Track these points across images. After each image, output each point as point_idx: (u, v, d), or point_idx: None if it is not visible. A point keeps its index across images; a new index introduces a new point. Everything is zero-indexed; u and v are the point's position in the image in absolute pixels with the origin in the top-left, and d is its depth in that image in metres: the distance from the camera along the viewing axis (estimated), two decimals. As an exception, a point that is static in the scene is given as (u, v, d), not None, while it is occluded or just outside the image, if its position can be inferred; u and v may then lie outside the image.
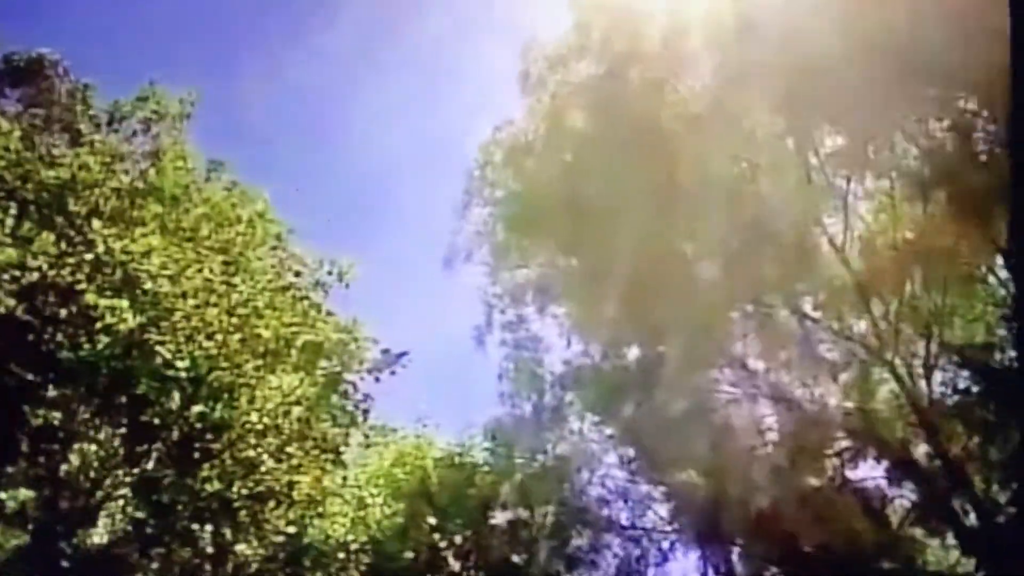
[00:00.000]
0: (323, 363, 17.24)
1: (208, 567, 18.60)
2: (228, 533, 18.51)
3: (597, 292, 19.02)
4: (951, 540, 18.01)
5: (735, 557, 19.21)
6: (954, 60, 15.10)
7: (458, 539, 21.10)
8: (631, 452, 20.57)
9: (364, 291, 19.00)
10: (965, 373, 17.23)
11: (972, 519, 17.25)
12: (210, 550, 18.43)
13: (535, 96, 19.30)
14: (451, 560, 20.74)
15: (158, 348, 15.72)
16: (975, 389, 16.62)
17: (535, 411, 20.88)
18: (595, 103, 18.38)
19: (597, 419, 20.70)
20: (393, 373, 17.78)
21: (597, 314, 19.49)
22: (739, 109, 17.71)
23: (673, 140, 17.04)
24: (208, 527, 18.32)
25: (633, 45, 18.16)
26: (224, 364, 16.09)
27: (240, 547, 18.61)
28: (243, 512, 18.18)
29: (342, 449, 17.43)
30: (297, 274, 17.42)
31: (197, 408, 16.80)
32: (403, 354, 18.06)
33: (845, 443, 18.13)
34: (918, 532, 17.89)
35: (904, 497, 18.10)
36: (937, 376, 17.47)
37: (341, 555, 19.74)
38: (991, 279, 17.24)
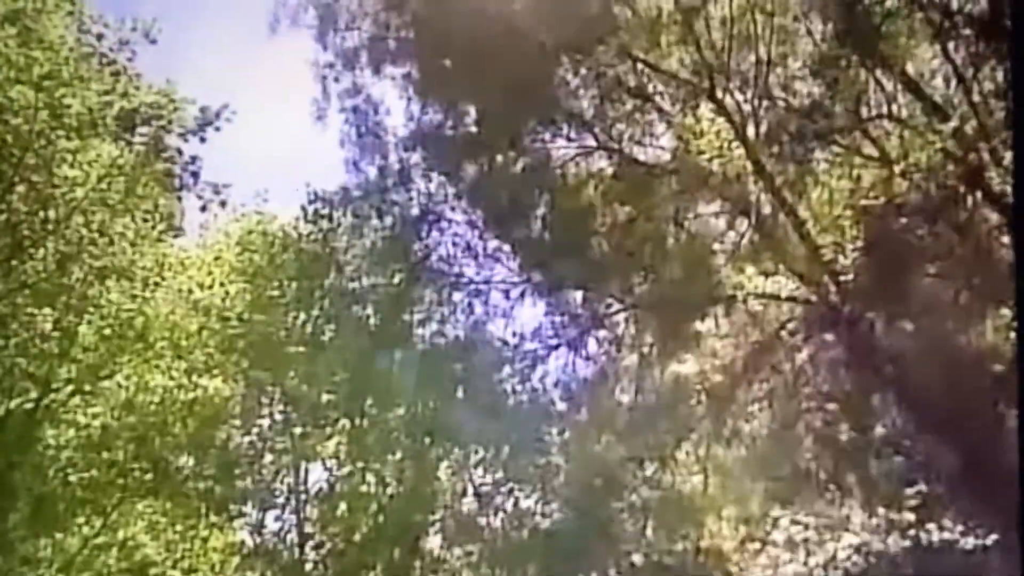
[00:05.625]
0: (143, 130, 16.58)
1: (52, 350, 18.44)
2: (69, 315, 18.30)
3: (430, 51, 18.63)
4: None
5: (579, 299, 20.01)
6: None
7: (312, 308, 21.28)
8: (478, 210, 20.77)
9: (191, 72, 18.18)
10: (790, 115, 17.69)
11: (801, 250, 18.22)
12: (54, 333, 18.25)
13: None
14: (302, 325, 20.96)
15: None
16: (795, 128, 17.12)
17: (380, 174, 20.75)
18: None
19: (443, 178, 20.71)
20: (217, 129, 17.24)
21: (432, 74, 19.15)
22: None
23: None
24: (47, 310, 18.05)
25: None
26: (38, 142, 15.39)
27: (83, 328, 18.45)
28: (82, 292, 17.94)
29: (177, 216, 17.13)
30: (99, 37, 16.43)
31: (19, 189, 16.23)
32: (224, 107, 17.46)
33: (677, 186, 18.67)
34: (746, 265, 18.75)
35: (735, 231, 18.90)
36: (763, 116, 17.94)
37: (188, 335, 19.74)
38: (817, 25, 17.41)
